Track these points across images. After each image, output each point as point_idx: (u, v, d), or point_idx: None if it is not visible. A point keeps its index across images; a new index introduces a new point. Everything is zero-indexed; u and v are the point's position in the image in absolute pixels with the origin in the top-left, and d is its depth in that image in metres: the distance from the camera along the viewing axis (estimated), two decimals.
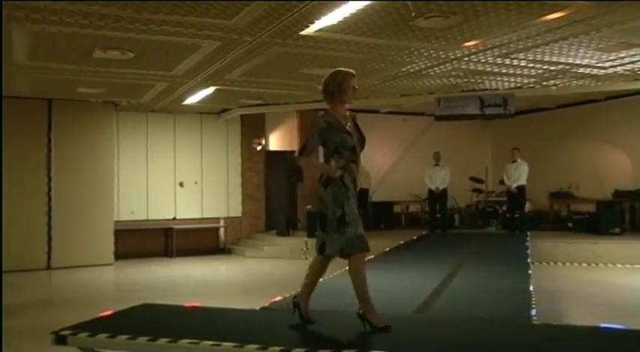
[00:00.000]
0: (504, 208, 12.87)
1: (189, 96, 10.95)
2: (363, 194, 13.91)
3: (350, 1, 5.66)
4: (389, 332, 3.86)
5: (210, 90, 10.31)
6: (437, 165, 12.53)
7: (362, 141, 4.08)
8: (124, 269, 11.25)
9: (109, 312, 4.78)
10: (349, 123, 4.06)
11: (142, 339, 3.87)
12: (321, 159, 4.35)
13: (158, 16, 6.01)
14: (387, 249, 9.86)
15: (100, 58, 7.73)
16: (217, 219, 13.81)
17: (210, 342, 3.74)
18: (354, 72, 4.12)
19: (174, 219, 13.25)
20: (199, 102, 11.47)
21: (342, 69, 4.14)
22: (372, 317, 3.91)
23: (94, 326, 4.22)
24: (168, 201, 13.26)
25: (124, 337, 3.93)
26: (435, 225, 12.62)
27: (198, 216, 13.58)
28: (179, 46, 7.27)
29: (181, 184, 13.42)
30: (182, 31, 6.55)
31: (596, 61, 8.50)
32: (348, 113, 4.12)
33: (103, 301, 7.69)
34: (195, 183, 13.57)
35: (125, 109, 12.47)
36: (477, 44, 7.41)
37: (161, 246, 13.13)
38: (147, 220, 12.96)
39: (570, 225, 12.51)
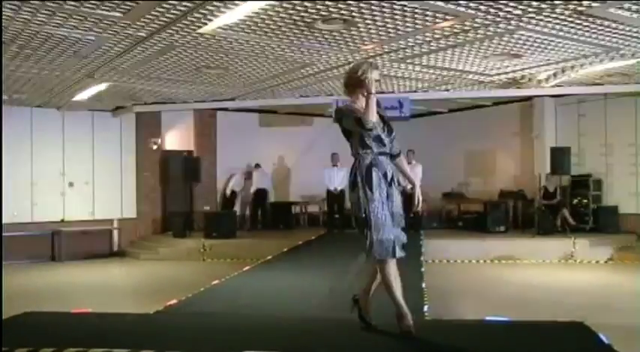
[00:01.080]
0: None
1: (79, 93, 10.40)
2: (262, 195, 13.91)
3: (249, 1, 5.61)
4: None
5: (103, 86, 9.85)
6: (335, 166, 12.73)
7: (389, 129, 3.91)
8: (5, 275, 10.46)
9: None
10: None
11: (22, 351, 3.62)
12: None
13: (45, 5, 5.65)
14: (286, 249, 9.90)
15: None
16: (110, 221, 13.25)
17: (101, 350, 3.57)
18: (376, 63, 3.99)
19: (62, 221, 12.55)
20: (91, 99, 10.93)
21: (364, 61, 4.02)
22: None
23: None
24: (55, 203, 12.54)
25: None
26: (333, 225, 12.82)
27: (89, 217, 12.95)
28: (68, 40, 6.88)
29: (71, 184, 12.75)
30: (72, 23, 6.19)
31: (483, 68, 9.01)
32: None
33: None
34: (87, 183, 12.93)
35: (7, 104, 11.63)
36: (374, 48, 7.61)
37: (47, 249, 12.37)
38: (31, 223, 12.19)
39: (460, 224, 13.15)
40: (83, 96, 10.64)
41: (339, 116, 4.00)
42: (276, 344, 3.68)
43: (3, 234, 11.47)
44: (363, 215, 3.82)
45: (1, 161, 10.51)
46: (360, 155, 3.88)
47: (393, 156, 3.96)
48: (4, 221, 11.62)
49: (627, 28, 6.68)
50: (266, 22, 6.31)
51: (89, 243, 12.77)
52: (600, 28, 6.66)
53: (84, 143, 12.91)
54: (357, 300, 4.07)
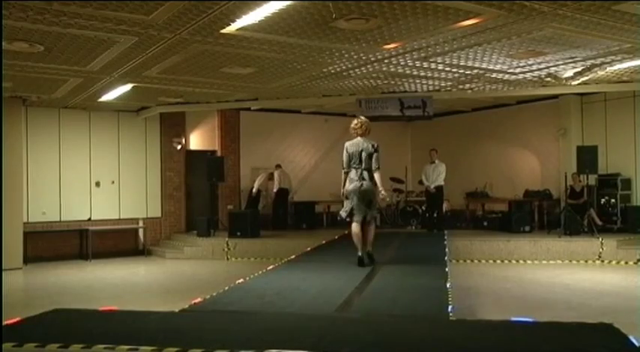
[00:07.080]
0: (424, 208, 13.22)
1: (106, 93, 10.56)
2: (283, 194, 13.92)
3: (271, 1, 5.63)
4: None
5: (128, 87, 9.98)
6: None
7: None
8: (35, 273, 10.70)
9: (15, 320, 4.51)
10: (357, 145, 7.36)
11: (53, 346, 3.67)
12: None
13: (70, 7, 5.74)
14: (309, 249, 9.90)
15: (4, 49, 7.28)
16: (136, 220, 13.42)
17: (127, 347, 3.60)
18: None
19: (89, 219, 12.74)
20: (116, 99, 11.08)
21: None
22: None
23: None
24: (83, 202, 12.75)
25: (32, 345, 3.70)
26: None
27: (115, 216, 13.13)
28: (94, 41, 6.99)
29: (97, 184, 12.94)
30: (97, 24, 6.29)
31: (507, 66, 8.91)
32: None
33: (10, 308, 7.23)
34: (113, 182, 13.12)
35: (35, 105, 11.88)
36: (396, 47, 7.58)
37: (75, 248, 12.59)
38: (60, 221, 12.40)
39: (485, 223, 13.03)
40: (109, 96, 10.79)
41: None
42: (301, 343, 3.68)
43: (31, 231, 11.72)
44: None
45: (0, 161, 10.63)
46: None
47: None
48: (32, 219, 11.90)
49: None
50: (287, 21, 6.32)
51: (116, 242, 12.98)
52: (627, 25, 6.54)
53: (109, 143, 13.10)
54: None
